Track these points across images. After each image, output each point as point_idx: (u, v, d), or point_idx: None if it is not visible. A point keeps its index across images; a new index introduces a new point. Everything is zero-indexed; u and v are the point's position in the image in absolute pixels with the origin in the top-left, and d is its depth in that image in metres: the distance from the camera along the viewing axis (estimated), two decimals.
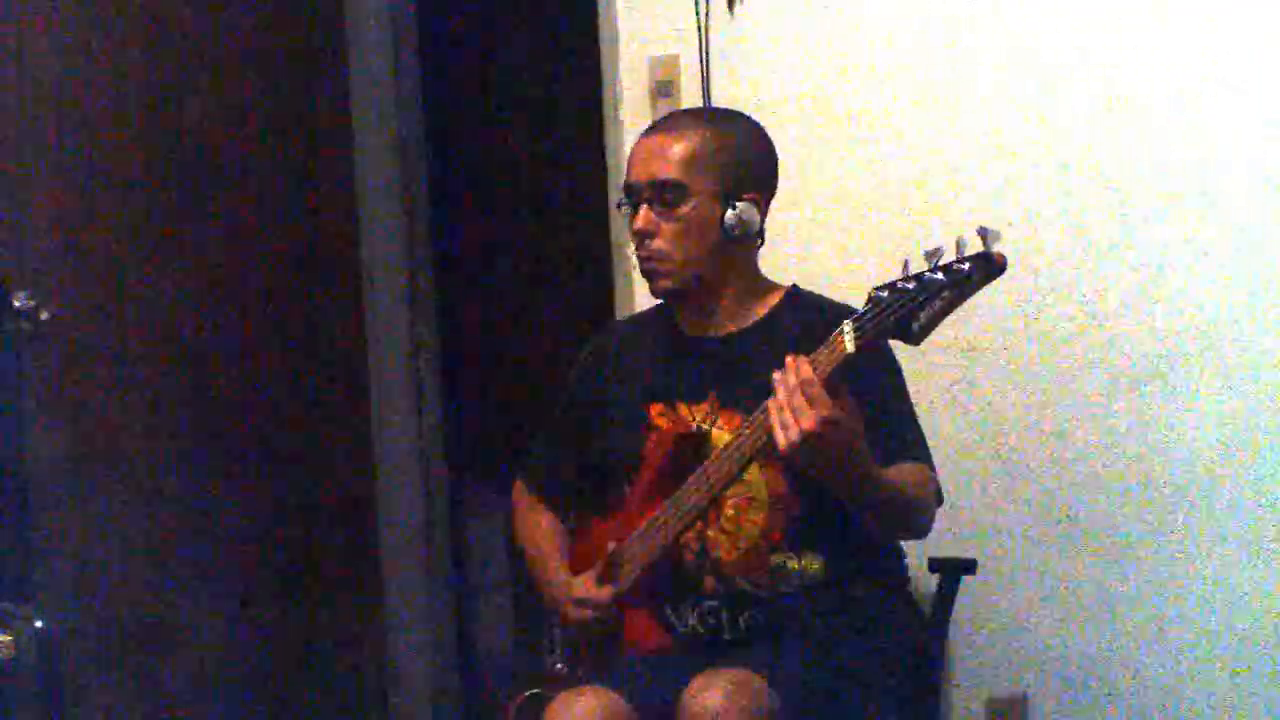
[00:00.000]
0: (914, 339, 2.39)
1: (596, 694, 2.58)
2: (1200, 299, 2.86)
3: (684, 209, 2.68)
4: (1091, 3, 2.94)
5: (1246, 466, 2.83)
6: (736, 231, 2.69)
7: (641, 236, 2.70)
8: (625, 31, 3.44)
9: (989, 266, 2.32)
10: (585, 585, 2.74)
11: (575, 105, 3.79)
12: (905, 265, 2.38)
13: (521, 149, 4.24)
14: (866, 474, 2.50)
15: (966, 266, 2.33)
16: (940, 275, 2.34)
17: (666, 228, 2.69)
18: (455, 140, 4.28)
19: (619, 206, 2.81)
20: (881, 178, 3.17)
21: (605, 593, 2.71)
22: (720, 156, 2.70)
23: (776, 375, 2.44)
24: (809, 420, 2.40)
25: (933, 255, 2.35)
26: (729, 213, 2.68)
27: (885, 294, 2.39)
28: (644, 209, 2.70)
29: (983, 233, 2.32)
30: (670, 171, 2.68)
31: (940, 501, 2.69)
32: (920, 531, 2.67)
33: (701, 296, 2.73)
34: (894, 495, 2.55)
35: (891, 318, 2.38)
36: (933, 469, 2.68)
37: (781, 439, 2.42)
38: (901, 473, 2.59)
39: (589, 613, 2.73)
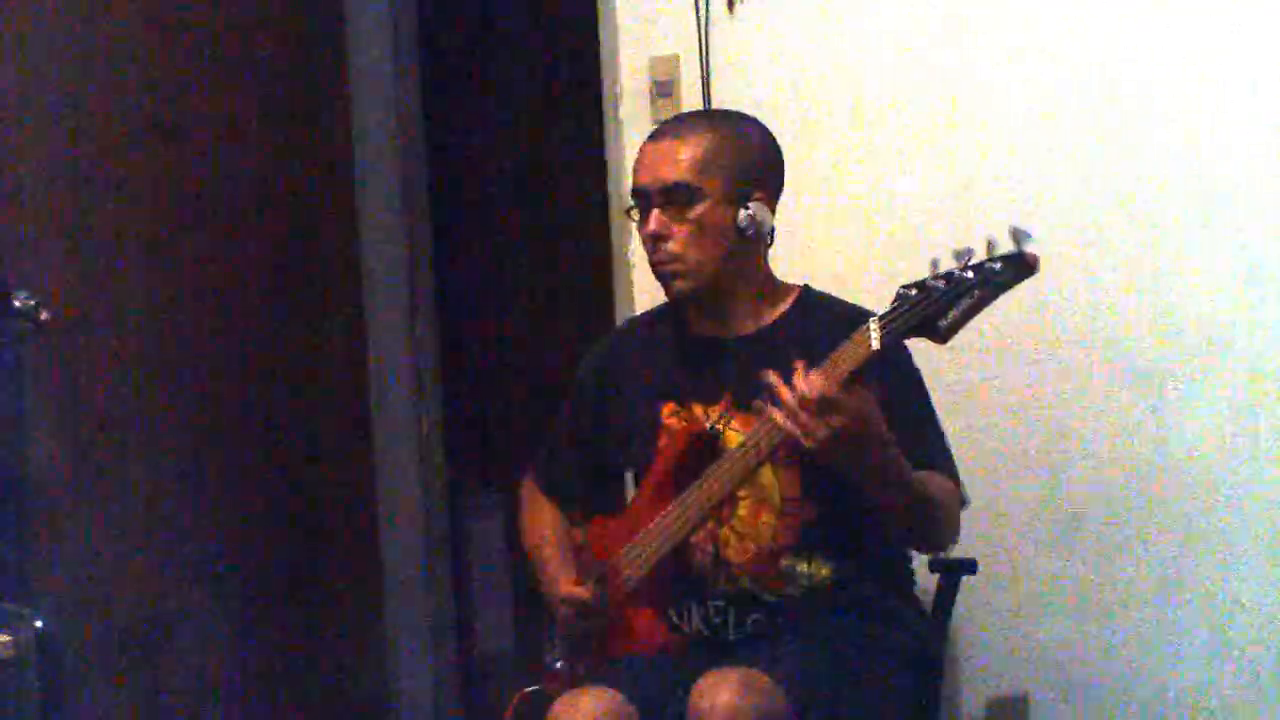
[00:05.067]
0: (941, 337, 2.37)
1: (599, 693, 2.58)
2: (1202, 299, 2.86)
3: (696, 211, 2.67)
4: (1096, 2, 2.94)
5: (1247, 466, 2.83)
6: (750, 232, 2.68)
7: (654, 240, 2.69)
8: (625, 31, 3.44)
9: (1021, 266, 2.31)
10: (573, 584, 2.74)
11: (575, 105, 3.79)
12: (934, 264, 2.37)
13: (521, 148, 4.24)
14: (890, 458, 2.48)
15: (998, 266, 2.31)
16: (970, 274, 2.33)
17: (679, 230, 2.68)
18: (455, 140, 4.28)
19: (626, 212, 2.80)
20: (882, 178, 3.16)
21: (590, 593, 2.71)
22: (729, 157, 2.69)
23: (784, 389, 2.43)
24: (823, 431, 2.41)
25: (963, 255, 2.34)
26: (742, 213, 2.67)
27: (914, 291, 2.38)
28: (655, 212, 2.69)
29: (1015, 233, 2.31)
30: (680, 174, 2.67)
31: (965, 504, 2.69)
32: (946, 538, 2.66)
33: (716, 298, 2.73)
34: (918, 486, 2.54)
35: (919, 314, 2.36)
36: (959, 484, 2.67)
37: (808, 443, 2.43)
38: (925, 476, 2.58)
39: (575, 611, 2.73)
